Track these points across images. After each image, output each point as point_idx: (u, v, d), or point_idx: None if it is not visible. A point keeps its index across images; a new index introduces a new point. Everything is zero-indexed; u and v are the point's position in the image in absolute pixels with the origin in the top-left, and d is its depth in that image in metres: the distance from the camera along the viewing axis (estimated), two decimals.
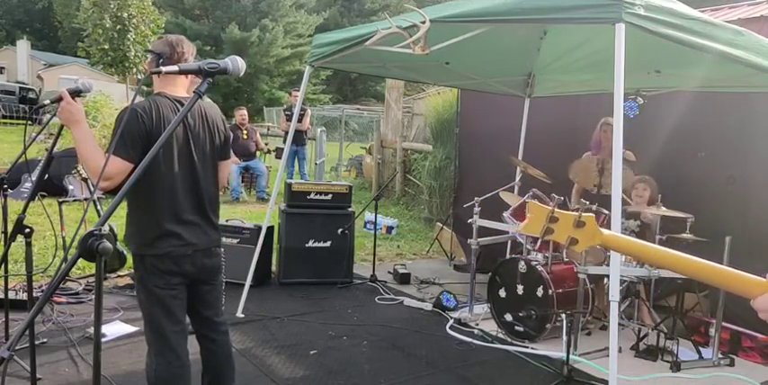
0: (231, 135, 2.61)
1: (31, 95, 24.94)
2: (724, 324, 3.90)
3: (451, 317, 4.45)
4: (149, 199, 2.31)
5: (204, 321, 2.56)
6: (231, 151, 2.65)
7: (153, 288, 2.32)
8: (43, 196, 3.46)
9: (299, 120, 9.38)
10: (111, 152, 2.06)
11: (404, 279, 5.50)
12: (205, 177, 2.43)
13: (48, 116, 7.37)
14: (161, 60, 2.35)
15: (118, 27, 17.51)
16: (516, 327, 4.07)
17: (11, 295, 3.70)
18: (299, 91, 5.19)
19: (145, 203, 2.33)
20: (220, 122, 2.52)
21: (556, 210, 1.34)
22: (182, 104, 2.34)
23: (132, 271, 4.85)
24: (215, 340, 2.58)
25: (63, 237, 4.81)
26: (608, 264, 2.97)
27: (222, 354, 2.60)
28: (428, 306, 4.73)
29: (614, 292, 2.69)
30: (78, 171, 4.63)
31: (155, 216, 2.32)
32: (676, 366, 3.66)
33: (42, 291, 3.76)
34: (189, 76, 2.42)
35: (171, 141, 2.29)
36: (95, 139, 2.21)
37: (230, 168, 2.71)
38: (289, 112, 9.85)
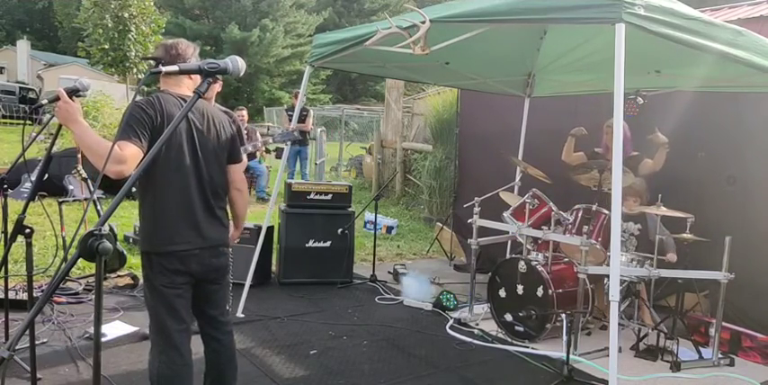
0: (236, 132, 2.60)
1: (31, 95, 24.94)
2: (724, 324, 3.90)
3: (451, 317, 4.45)
4: (157, 197, 2.32)
5: (209, 321, 2.56)
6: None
7: (158, 286, 2.33)
8: (43, 196, 3.46)
9: (303, 121, 9.40)
10: (120, 137, 2.09)
11: None
12: (212, 176, 2.42)
13: (48, 116, 7.37)
14: (158, 65, 2.37)
15: (119, 27, 17.47)
16: (516, 327, 4.07)
17: (11, 295, 3.70)
18: (299, 91, 5.19)
19: (153, 201, 2.33)
20: (226, 121, 2.54)
21: None
22: (186, 102, 2.35)
23: (132, 270, 4.88)
24: (220, 340, 2.58)
25: (63, 237, 4.81)
26: (608, 264, 2.96)
27: (226, 354, 2.60)
28: (428, 306, 4.73)
29: (614, 292, 2.69)
30: (78, 171, 4.63)
31: (162, 214, 2.32)
32: (676, 366, 3.67)
33: (42, 291, 3.76)
34: (194, 76, 2.43)
35: (175, 139, 2.30)
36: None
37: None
38: (291, 113, 9.85)
